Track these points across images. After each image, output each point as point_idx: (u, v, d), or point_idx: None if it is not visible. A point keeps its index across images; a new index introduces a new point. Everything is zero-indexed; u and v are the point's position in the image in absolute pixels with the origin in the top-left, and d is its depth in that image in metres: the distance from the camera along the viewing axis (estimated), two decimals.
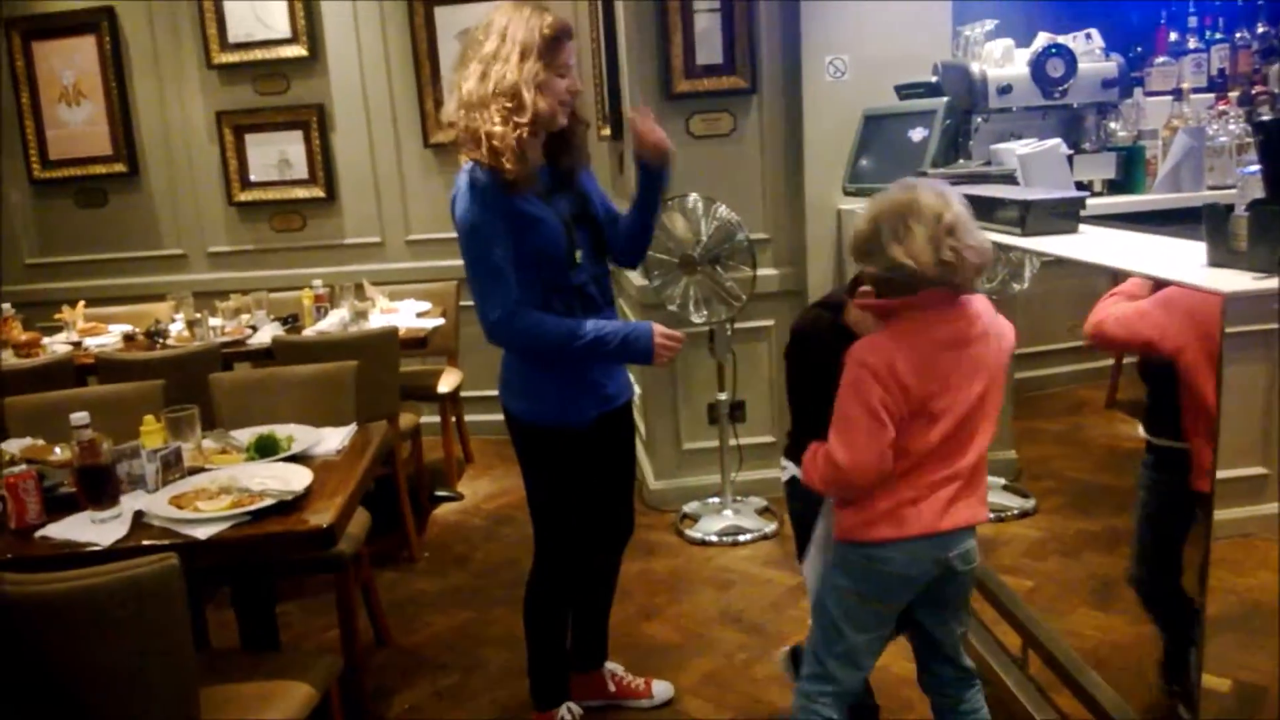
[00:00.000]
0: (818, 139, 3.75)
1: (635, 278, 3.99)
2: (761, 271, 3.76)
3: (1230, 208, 1.87)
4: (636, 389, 4.27)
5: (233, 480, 2.18)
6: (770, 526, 3.78)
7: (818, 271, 3.87)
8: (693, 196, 3.62)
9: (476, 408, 4.81)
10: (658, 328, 2.27)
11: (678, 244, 3.61)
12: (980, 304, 1.90)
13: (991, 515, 3.70)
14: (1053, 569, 3.31)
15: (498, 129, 2.12)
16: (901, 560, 1.87)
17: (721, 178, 3.84)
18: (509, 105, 2.14)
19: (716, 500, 3.93)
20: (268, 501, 2.05)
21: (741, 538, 3.72)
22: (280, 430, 2.49)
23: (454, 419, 4.51)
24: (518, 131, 2.13)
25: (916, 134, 3.26)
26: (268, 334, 3.82)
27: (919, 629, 2.04)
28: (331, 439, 2.48)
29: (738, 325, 3.80)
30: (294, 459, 2.36)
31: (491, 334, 2.21)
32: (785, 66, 3.81)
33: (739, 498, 3.92)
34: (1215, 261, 1.76)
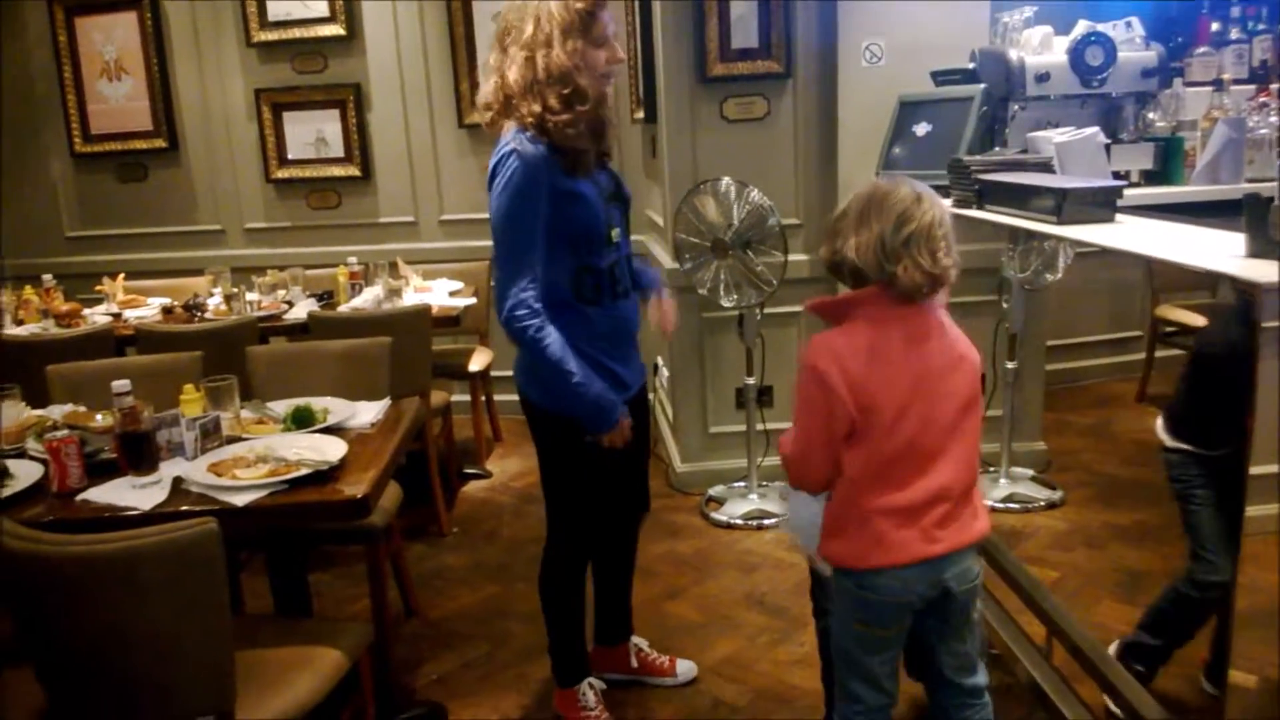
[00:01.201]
0: (852, 125, 3.74)
1: (666, 260, 4.00)
2: (793, 257, 3.77)
3: (1271, 198, 1.86)
4: (665, 371, 4.29)
5: (269, 449, 2.23)
6: None
7: None
8: (725, 180, 3.62)
9: (506, 387, 4.73)
10: (625, 420, 2.28)
11: (709, 228, 3.62)
12: (942, 316, 1.85)
13: (1017, 506, 3.70)
14: (1079, 561, 3.30)
15: (561, 116, 2.12)
16: (894, 587, 1.82)
17: (754, 162, 3.84)
18: (565, 91, 2.13)
19: (742, 484, 3.94)
20: (304, 471, 2.09)
21: (766, 522, 3.74)
22: (316, 403, 2.54)
23: (484, 398, 4.56)
24: (580, 115, 2.13)
25: (921, 128, 3.26)
26: (303, 309, 3.87)
27: (922, 645, 1.98)
28: (366, 412, 2.52)
29: (767, 310, 3.80)
30: (329, 430, 2.40)
31: (504, 323, 2.19)
32: (820, 51, 3.80)
33: (764, 482, 3.93)
34: (1254, 252, 1.75)
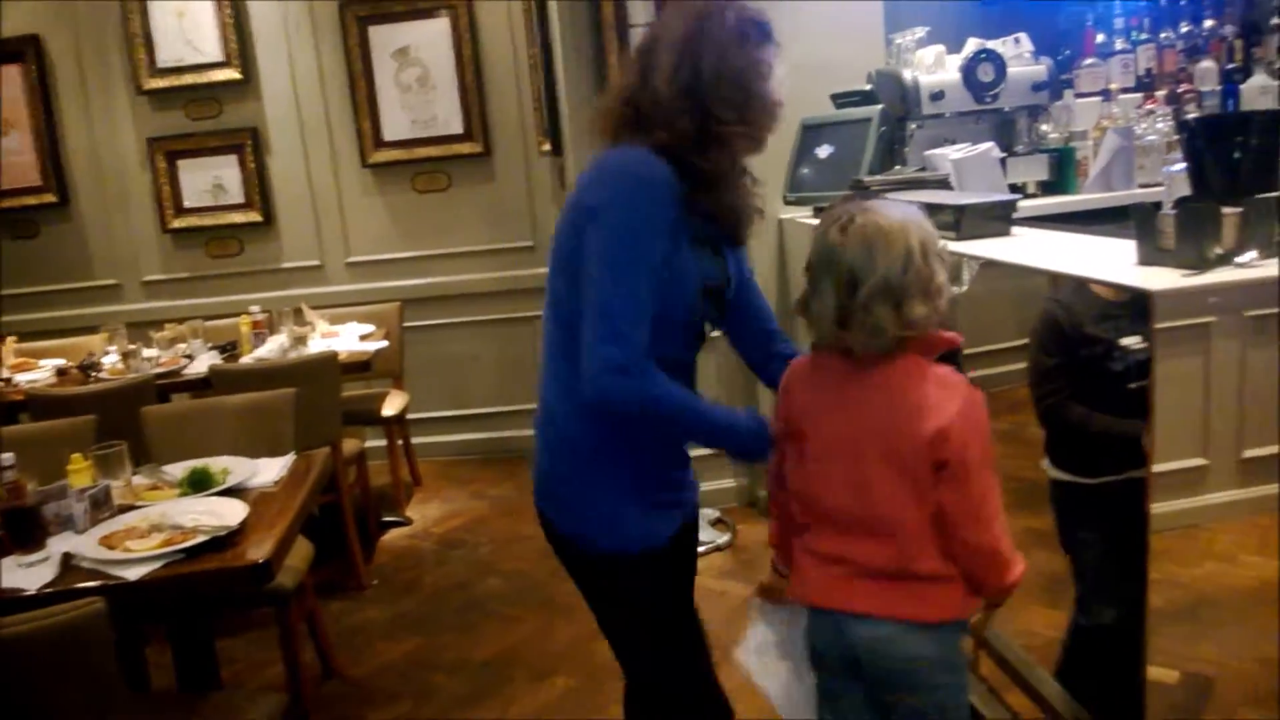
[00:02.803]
0: None
1: None
2: None
3: (1158, 206, 1.90)
4: None
5: (164, 517, 2.12)
6: (724, 538, 3.76)
7: (760, 279, 3.86)
8: None
9: (424, 430, 4.74)
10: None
11: None
12: (906, 374, 1.61)
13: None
14: None
15: (736, 128, 1.67)
16: (809, 625, 1.72)
17: None
18: (738, 97, 1.68)
19: None
20: (201, 538, 1.99)
21: (699, 549, 3.70)
22: (215, 463, 2.43)
23: (401, 442, 4.45)
24: (755, 129, 1.72)
25: (823, 150, 3.29)
26: (204, 363, 3.74)
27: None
28: (269, 470, 2.42)
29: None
30: (229, 492, 2.29)
31: (598, 379, 1.56)
32: None
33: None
34: (1145, 260, 1.78)
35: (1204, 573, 2.99)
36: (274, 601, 2.52)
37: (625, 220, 1.60)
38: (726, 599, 3.33)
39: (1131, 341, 2.12)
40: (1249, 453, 3.18)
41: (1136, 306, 2.04)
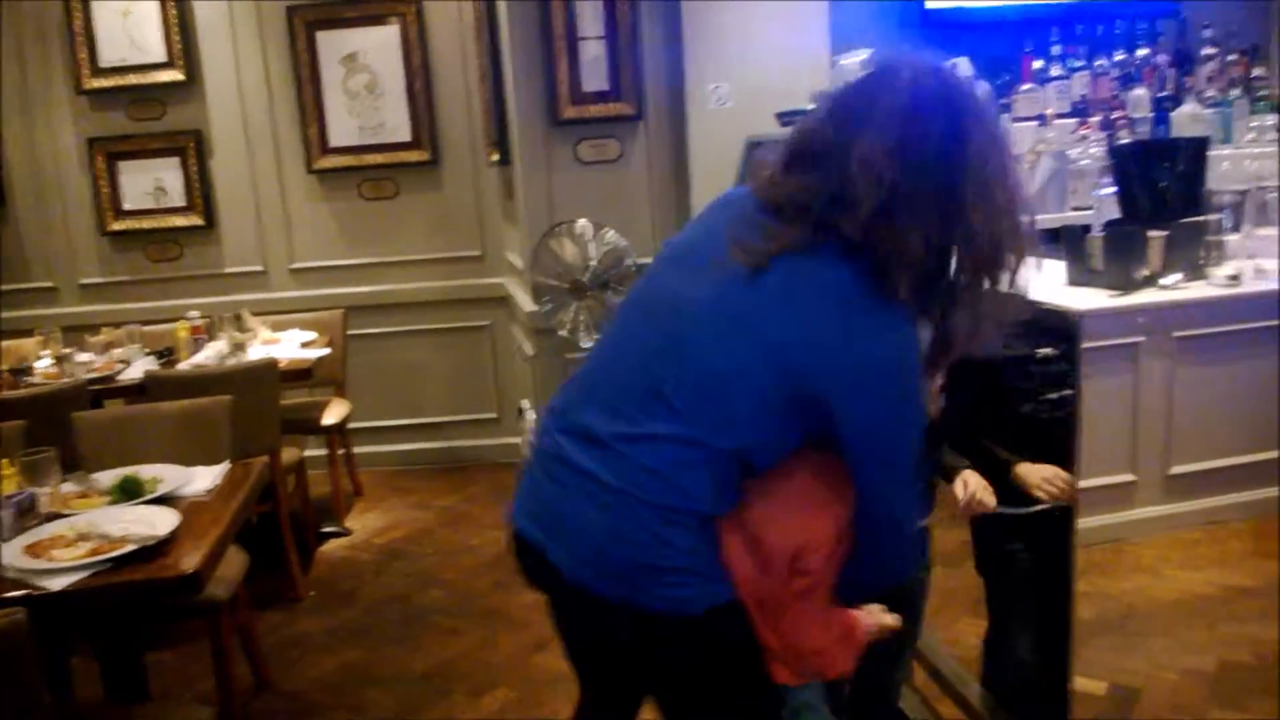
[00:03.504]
0: (703, 165, 3.79)
1: (525, 303, 3.96)
2: None
3: (1087, 228, 1.95)
4: (531, 415, 4.23)
5: (92, 526, 2.07)
6: None
7: None
8: (581, 222, 3.62)
9: (369, 439, 4.69)
10: None
11: (567, 269, 3.60)
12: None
13: None
14: (937, 580, 3.36)
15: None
16: None
17: (610, 203, 3.85)
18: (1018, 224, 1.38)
19: None
20: (129, 548, 1.95)
21: None
22: (146, 471, 2.38)
23: (342, 451, 4.40)
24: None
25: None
26: (140, 369, 3.66)
27: None
28: (202, 478, 2.38)
29: None
30: (160, 501, 2.25)
31: (908, 551, 1.56)
32: (670, 93, 3.85)
33: None
34: (1074, 281, 1.83)
35: (1132, 586, 3.07)
36: (205, 613, 2.48)
37: (903, 389, 1.39)
38: None
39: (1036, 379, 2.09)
40: (1176, 469, 3.27)
41: (1047, 327, 2.07)
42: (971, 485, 2.00)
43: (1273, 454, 3.07)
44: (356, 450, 4.58)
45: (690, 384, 1.41)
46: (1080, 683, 2.64)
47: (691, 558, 1.43)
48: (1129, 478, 3.09)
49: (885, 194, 1.29)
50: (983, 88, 1.36)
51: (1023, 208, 1.36)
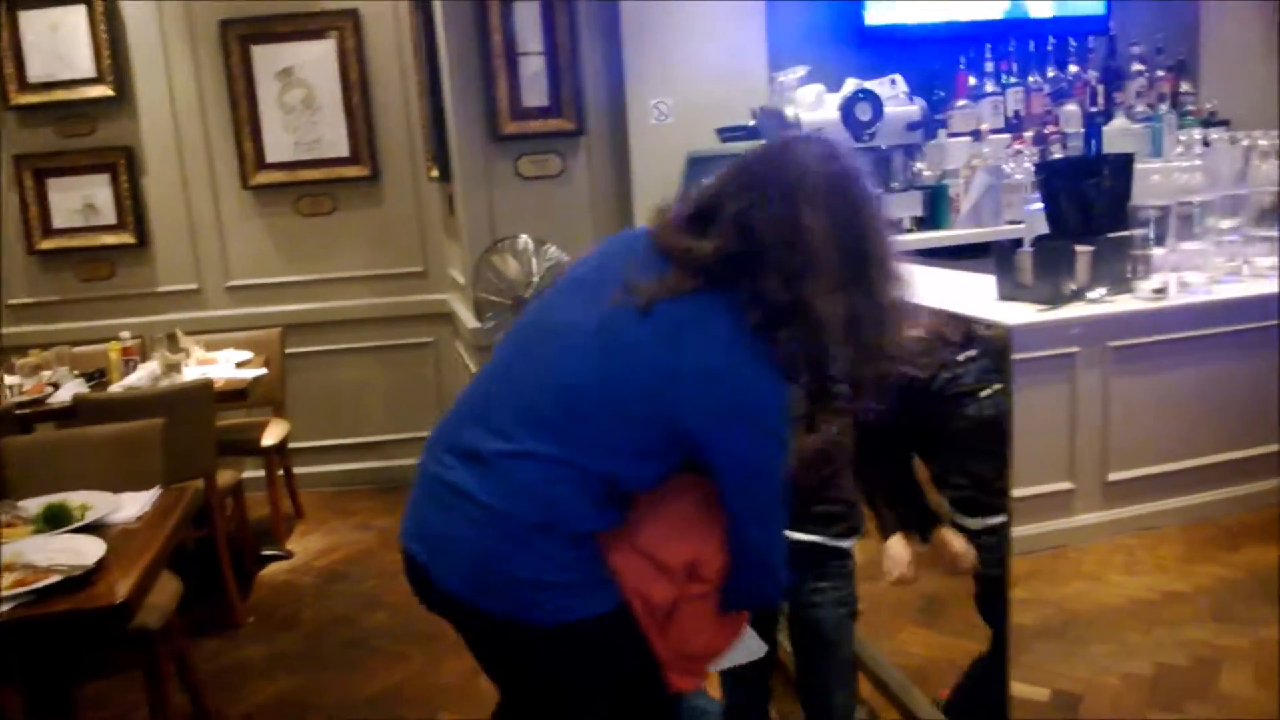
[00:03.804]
0: (645, 180, 3.79)
1: (468, 319, 3.93)
2: None
3: (1018, 243, 1.99)
4: None
5: (17, 555, 2.01)
6: None
7: None
8: (523, 238, 3.60)
9: (309, 459, 4.61)
10: None
11: (509, 285, 3.58)
12: None
13: None
14: (881, 590, 3.40)
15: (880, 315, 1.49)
16: None
17: (551, 219, 3.83)
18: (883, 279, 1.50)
19: None
20: (54, 578, 1.89)
21: None
22: (75, 498, 2.31)
23: (282, 472, 4.32)
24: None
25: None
26: (69, 392, 3.57)
27: None
28: (132, 504, 2.32)
29: None
30: (89, 529, 2.18)
31: (774, 575, 1.63)
32: (611, 109, 3.85)
33: None
34: (1005, 295, 1.86)
35: (1072, 592, 3.11)
36: (137, 643, 2.41)
37: (767, 418, 1.49)
38: None
39: (971, 379, 2.10)
40: (1114, 475, 3.34)
41: (973, 342, 2.11)
42: (955, 546, 2.14)
43: (1207, 460, 3.15)
44: (297, 471, 4.50)
45: (567, 406, 1.49)
46: (1023, 689, 2.67)
47: (569, 571, 1.51)
48: (1068, 485, 3.15)
49: (775, 259, 1.42)
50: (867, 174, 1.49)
51: (899, 278, 1.49)
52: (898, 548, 2.23)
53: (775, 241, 1.43)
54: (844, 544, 2.13)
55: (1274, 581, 3.09)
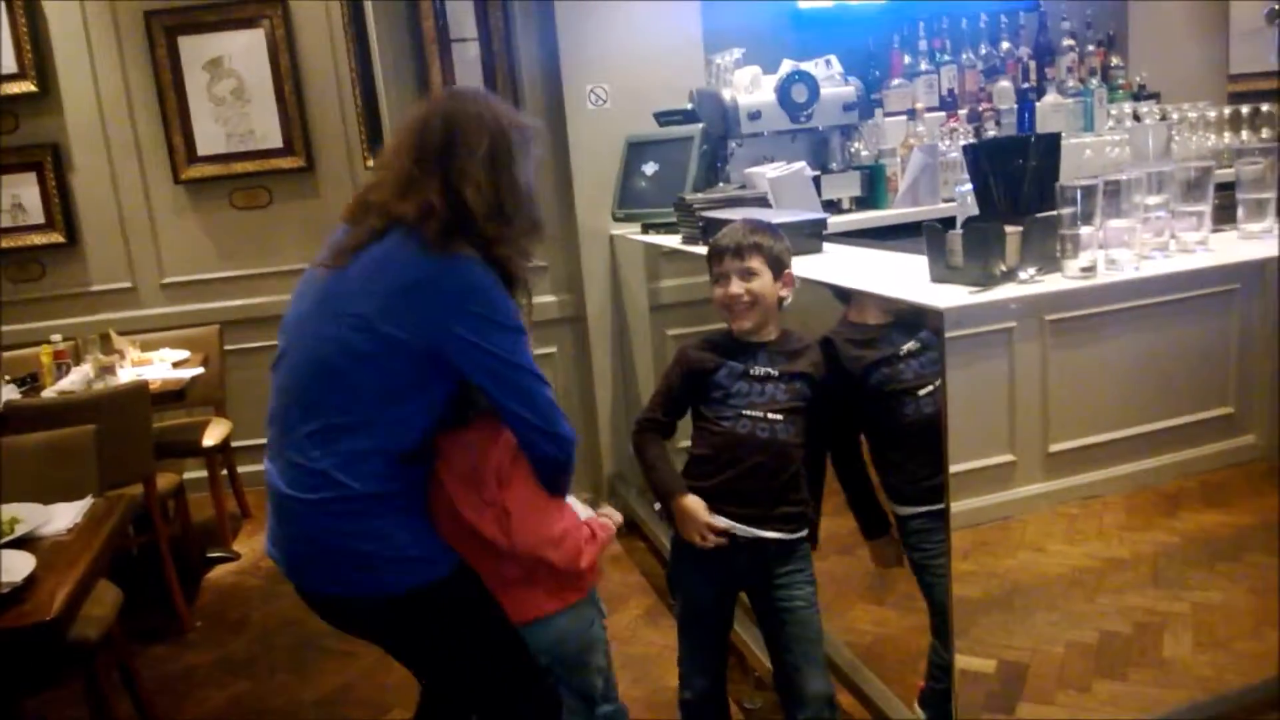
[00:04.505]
0: (584, 166, 3.77)
1: None
2: (539, 299, 3.73)
3: (950, 223, 1.99)
4: None
5: None
6: None
7: (595, 297, 3.89)
8: None
9: (252, 458, 4.52)
10: None
11: None
12: None
13: None
14: (832, 568, 3.42)
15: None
16: None
17: None
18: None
19: None
20: None
21: None
22: (4, 511, 2.24)
23: (226, 472, 4.25)
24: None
25: (649, 168, 3.34)
26: None
27: None
28: (63, 516, 2.25)
29: None
30: (17, 544, 2.12)
31: (566, 451, 1.78)
32: (548, 95, 3.82)
33: None
34: (936, 277, 1.86)
35: (1016, 563, 3.17)
36: (76, 657, 2.35)
37: (517, 332, 1.72)
38: None
39: (910, 375, 2.13)
40: (1054, 447, 3.39)
41: (906, 325, 2.13)
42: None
43: (1145, 428, 3.22)
44: (241, 470, 4.43)
45: (322, 381, 1.68)
46: (970, 661, 2.72)
47: (390, 540, 1.68)
48: (1009, 458, 3.21)
49: (434, 176, 1.69)
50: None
51: (526, 184, 1.81)
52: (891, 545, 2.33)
53: (430, 162, 1.70)
54: (802, 534, 2.16)
55: (1213, 545, 3.17)
